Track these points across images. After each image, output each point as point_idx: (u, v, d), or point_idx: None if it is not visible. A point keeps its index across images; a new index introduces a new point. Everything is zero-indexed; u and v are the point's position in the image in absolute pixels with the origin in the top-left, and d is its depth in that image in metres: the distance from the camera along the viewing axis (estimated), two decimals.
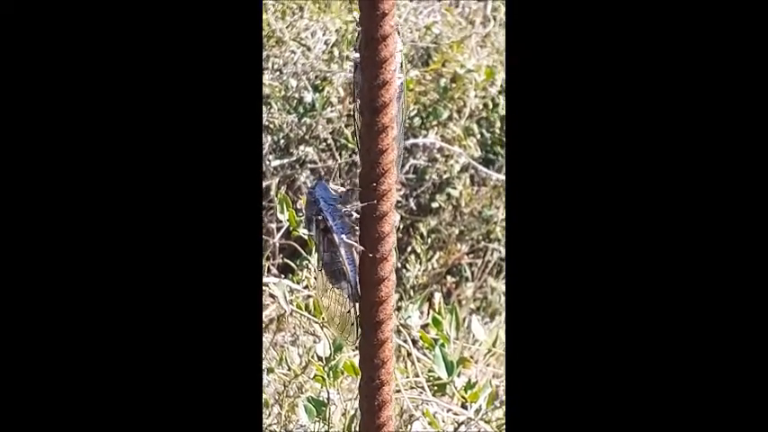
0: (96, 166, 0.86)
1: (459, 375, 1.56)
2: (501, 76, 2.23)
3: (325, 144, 2.19)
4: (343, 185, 0.86)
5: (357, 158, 2.18)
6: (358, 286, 0.88)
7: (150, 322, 0.84)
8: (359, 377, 0.88)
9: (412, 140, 2.16)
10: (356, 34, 0.86)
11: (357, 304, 0.88)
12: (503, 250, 2.15)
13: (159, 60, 0.86)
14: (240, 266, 0.84)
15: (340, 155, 2.18)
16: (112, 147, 0.86)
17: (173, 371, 0.84)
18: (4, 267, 0.85)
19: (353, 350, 1.66)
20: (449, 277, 2.16)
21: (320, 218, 0.88)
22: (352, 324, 0.89)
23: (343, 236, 0.87)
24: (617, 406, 0.82)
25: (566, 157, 0.84)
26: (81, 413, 0.84)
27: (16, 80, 0.86)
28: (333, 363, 1.51)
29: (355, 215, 0.86)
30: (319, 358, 1.54)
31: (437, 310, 1.61)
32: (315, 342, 1.62)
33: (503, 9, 2.37)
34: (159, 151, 0.85)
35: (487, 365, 1.76)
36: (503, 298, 2.12)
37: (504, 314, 2.07)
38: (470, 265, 2.16)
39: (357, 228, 0.86)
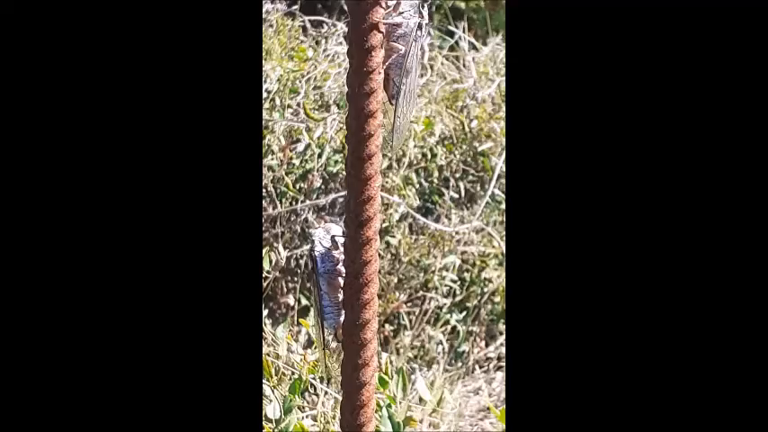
0: (86, 168, 0.86)
1: None
2: (439, 127, 2.27)
3: (265, 191, 2.21)
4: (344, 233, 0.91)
5: (297, 207, 2.20)
6: (330, 329, 0.93)
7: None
8: None
9: None
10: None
11: (329, 344, 0.94)
12: (440, 299, 2.19)
13: (159, 68, 0.86)
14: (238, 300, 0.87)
15: (280, 203, 2.20)
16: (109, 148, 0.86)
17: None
18: (4, 268, 0.86)
19: (303, 411, 1.68)
20: (386, 325, 2.19)
21: (312, 255, 0.94)
22: (326, 363, 0.95)
23: (323, 279, 0.93)
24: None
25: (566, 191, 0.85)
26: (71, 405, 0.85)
27: (16, 80, 0.86)
28: (283, 425, 1.53)
29: (341, 265, 0.91)
30: (269, 420, 1.55)
31: (384, 369, 1.64)
32: (264, 404, 1.63)
33: (440, 59, 2.42)
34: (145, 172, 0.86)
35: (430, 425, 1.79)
36: (440, 347, 2.16)
37: (441, 365, 2.11)
38: (408, 313, 2.20)
39: (342, 273, 0.91)
